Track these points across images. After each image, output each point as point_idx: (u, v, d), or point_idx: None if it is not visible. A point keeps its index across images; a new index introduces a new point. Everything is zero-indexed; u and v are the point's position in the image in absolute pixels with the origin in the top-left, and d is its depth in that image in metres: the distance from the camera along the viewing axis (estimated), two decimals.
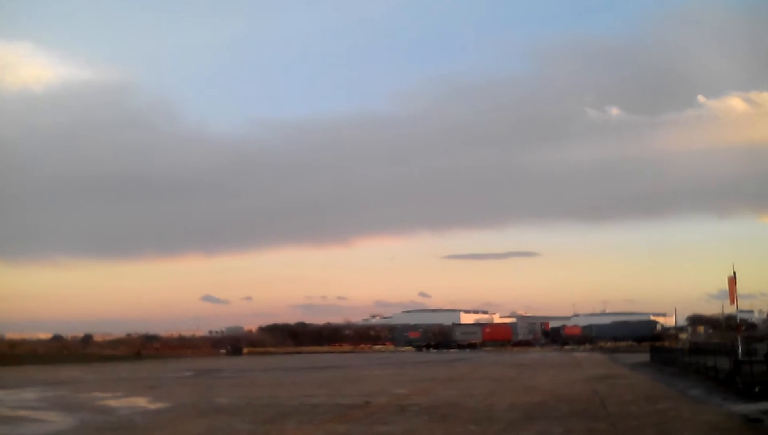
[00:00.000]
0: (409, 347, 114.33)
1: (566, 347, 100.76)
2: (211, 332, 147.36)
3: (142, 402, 25.92)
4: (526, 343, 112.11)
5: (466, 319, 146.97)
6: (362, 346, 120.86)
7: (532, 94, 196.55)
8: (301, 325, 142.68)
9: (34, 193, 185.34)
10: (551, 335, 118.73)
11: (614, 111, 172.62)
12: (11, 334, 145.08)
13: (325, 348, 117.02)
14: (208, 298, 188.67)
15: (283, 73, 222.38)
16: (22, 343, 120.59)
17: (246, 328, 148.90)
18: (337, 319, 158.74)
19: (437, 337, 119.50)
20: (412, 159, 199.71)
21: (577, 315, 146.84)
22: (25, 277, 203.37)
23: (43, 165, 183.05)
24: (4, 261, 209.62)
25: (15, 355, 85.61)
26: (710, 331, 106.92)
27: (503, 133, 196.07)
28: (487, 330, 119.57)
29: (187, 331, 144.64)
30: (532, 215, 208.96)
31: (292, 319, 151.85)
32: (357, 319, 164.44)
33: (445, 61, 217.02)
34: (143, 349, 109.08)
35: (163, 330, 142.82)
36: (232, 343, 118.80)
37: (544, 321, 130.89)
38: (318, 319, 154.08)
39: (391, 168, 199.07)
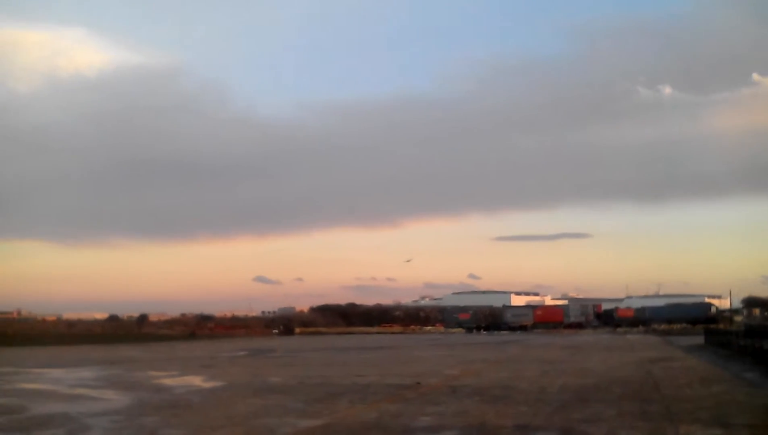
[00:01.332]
0: (459, 329, 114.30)
1: (619, 330, 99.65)
2: (263, 313, 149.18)
3: (197, 381, 26.34)
4: (578, 326, 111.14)
5: (517, 301, 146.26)
6: (412, 327, 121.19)
7: (582, 74, 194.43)
8: (352, 306, 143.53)
9: (89, 177, 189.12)
10: (603, 317, 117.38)
11: (667, 90, 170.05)
12: (69, 314, 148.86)
13: (376, 329, 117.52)
14: (260, 279, 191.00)
15: (328, 56, 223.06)
16: (79, 323, 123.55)
17: (297, 308, 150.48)
18: (386, 301, 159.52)
19: (487, 319, 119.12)
20: (459, 141, 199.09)
21: (629, 297, 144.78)
22: (82, 259, 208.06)
23: (97, 149, 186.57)
24: (61, 243, 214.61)
25: (72, 335, 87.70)
26: (766, 313, 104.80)
27: (552, 113, 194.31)
28: (539, 312, 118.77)
29: (240, 312, 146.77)
30: (583, 196, 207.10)
31: (342, 299, 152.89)
32: (407, 300, 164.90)
33: (490, 42, 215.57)
34: (197, 328, 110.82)
35: (216, 310, 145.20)
36: (284, 323, 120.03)
37: (596, 303, 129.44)
38: (368, 300, 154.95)
39: (438, 150, 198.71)
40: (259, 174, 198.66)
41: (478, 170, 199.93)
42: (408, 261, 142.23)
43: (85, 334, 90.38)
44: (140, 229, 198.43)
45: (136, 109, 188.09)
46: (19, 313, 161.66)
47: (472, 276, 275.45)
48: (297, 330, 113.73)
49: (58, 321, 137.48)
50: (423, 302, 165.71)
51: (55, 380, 26.79)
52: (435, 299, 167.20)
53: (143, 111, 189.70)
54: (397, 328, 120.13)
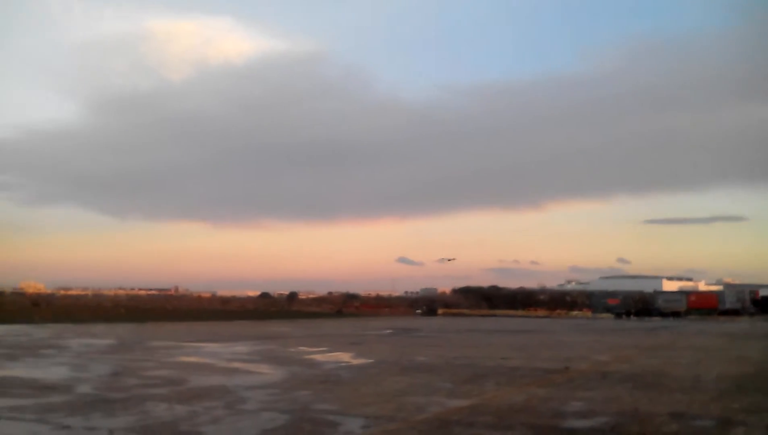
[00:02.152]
0: (608, 314, 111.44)
1: None
2: (406, 293, 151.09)
3: (345, 357, 26.89)
4: (734, 312, 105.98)
5: (669, 286, 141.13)
6: (557, 311, 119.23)
7: (741, 49, 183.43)
8: (495, 289, 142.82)
9: (238, 161, 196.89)
10: (761, 304, 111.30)
11: None
12: (223, 292, 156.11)
13: (520, 312, 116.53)
14: (402, 260, 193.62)
15: (467, 38, 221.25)
16: (233, 299, 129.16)
17: (440, 289, 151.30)
18: (530, 284, 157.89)
19: (637, 305, 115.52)
20: (604, 120, 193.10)
21: None
22: (234, 239, 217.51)
23: (246, 134, 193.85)
24: (215, 225, 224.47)
25: (227, 311, 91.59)
26: None
27: (704, 91, 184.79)
28: (692, 298, 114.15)
29: (383, 291, 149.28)
30: (737, 177, 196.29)
31: (484, 282, 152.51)
32: (551, 283, 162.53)
33: (640, 15, 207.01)
34: (344, 307, 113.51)
35: (361, 289, 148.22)
36: (428, 304, 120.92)
37: (753, 289, 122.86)
38: (511, 283, 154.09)
39: (582, 130, 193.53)
40: (402, 157, 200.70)
41: (626, 150, 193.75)
42: (449, 260, 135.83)
43: (238, 310, 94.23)
44: (287, 211, 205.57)
45: (282, 94, 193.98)
46: (176, 289, 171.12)
47: (621, 260, 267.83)
48: (440, 311, 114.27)
49: (213, 297, 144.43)
50: (569, 286, 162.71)
51: (212, 354, 27.99)
52: (581, 283, 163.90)
53: (289, 97, 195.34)
54: (541, 311, 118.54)
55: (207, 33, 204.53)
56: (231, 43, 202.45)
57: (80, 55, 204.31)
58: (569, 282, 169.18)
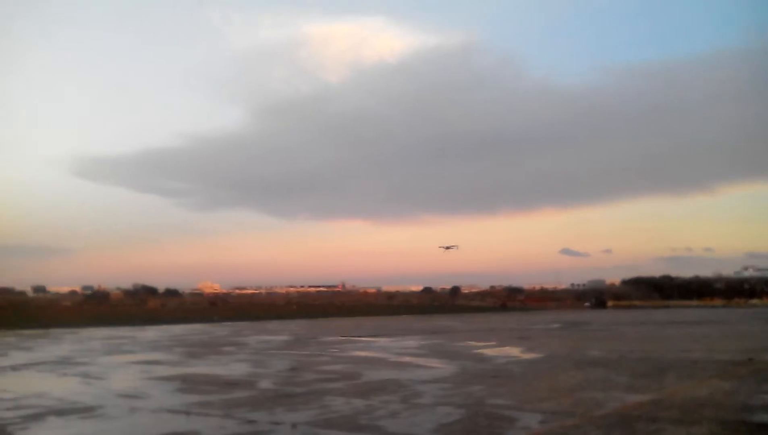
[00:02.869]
0: None
1: None
2: (572, 285, 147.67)
3: (514, 352, 26.61)
4: None
5: None
6: (735, 300, 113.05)
7: None
8: (667, 278, 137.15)
9: (396, 157, 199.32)
10: None
11: None
12: (388, 287, 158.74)
13: (695, 302, 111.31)
14: (566, 251, 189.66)
15: (624, 16, 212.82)
16: (397, 294, 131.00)
17: (608, 280, 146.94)
18: (705, 272, 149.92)
19: None
20: None
21: None
22: (396, 235, 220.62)
23: (402, 131, 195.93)
24: (378, 221, 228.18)
25: (392, 306, 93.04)
26: None
27: None
28: None
29: (548, 284, 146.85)
30: None
31: (655, 271, 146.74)
32: (728, 271, 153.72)
33: None
34: (508, 300, 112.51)
35: (524, 282, 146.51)
36: (596, 296, 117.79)
37: None
38: (684, 272, 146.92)
39: (758, 106, 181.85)
40: (560, 144, 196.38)
41: None
42: (448, 248, 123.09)
43: (402, 305, 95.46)
44: (447, 205, 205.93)
45: (436, 89, 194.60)
46: (343, 286, 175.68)
47: None
48: (609, 303, 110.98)
49: (378, 293, 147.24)
50: (746, 273, 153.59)
51: (382, 348, 28.48)
52: (760, 270, 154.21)
53: (443, 90, 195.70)
54: (718, 301, 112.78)
55: (361, 33, 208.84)
56: (384, 41, 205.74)
57: (242, 64, 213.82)
58: (746, 269, 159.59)
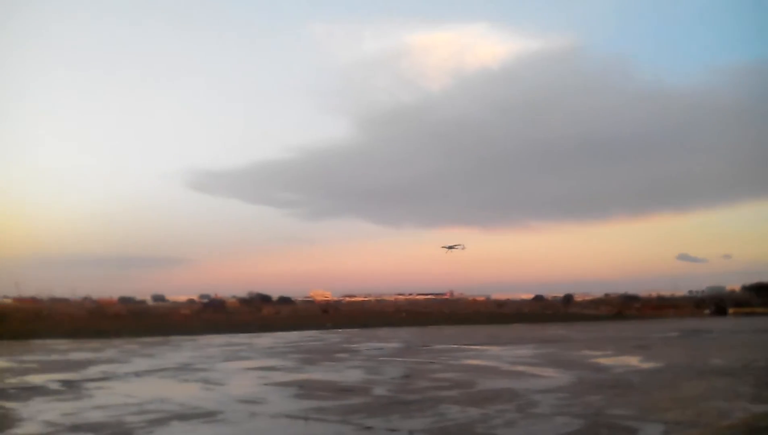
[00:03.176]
0: None
1: None
2: (690, 292, 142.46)
3: (633, 361, 25.88)
4: None
5: None
6: None
7: None
8: None
9: (501, 164, 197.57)
10: None
11: None
12: (497, 295, 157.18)
13: None
14: (683, 257, 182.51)
15: (736, 12, 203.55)
16: (508, 303, 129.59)
17: (728, 287, 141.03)
18: None
19: None
20: None
21: None
22: (503, 242, 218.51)
23: (506, 137, 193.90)
24: (485, 228, 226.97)
25: (502, 314, 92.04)
26: None
27: None
28: None
29: (664, 291, 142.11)
30: None
31: None
32: None
33: None
34: (623, 308, 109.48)
35: (639, 290, 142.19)
36: (716, 303, 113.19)
37: None
38: None
39: None
40: (673, 146, 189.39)
41: None
42: (451, 248, 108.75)
43: (513, 314, 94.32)
44: (555, 211, 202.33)
45: (539, 94, 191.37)
46: (451, 293, 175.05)
47: None
48: (730, 310, 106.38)
49: (488, 301, 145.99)
50: None
51: (494, 357, 28.22)
52: None
53: (547, 95, 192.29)
54: None
55: (462, 41, 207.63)
56: (486, 47, 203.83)
57: (346, 76, 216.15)
58: None
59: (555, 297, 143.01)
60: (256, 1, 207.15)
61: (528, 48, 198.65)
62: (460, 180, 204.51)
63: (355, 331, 53.09)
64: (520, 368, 23.41)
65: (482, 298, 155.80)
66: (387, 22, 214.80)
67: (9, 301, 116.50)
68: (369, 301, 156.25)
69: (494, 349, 32.84)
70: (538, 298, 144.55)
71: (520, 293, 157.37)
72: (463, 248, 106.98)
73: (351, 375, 21.63)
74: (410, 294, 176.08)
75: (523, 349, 32.65)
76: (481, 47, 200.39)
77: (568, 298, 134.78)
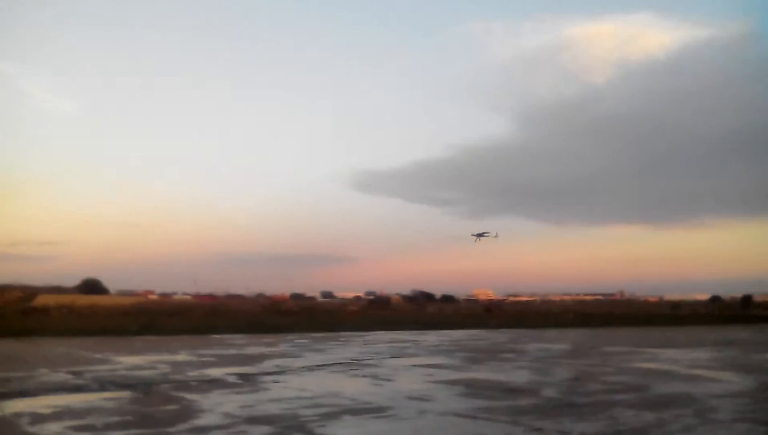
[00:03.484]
0: None
1: None
2: None
3: None
4: None
5: None
6: None
7: None
8: None
9: (668, 156, 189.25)
10: None
11: None
12: (670, 295, 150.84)
13: None
14: None
15: None
16: (682, 304, 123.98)
17: None
18: None
19: None
20: None
21: None
22: (677, 240, 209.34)
23: (675, 129, 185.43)
24: (654, 226, 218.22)
25: (677, 316, 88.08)
26: None
27: None
28: None
29: None
30: None
31: None
32: None
33: None
34: None
35: None
36: None
37: None
38: None
39: None
40: None
41: None
42: (481, 235, 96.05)
43: (689, 315, 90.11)
44: (731, 207, 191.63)
45: (710, 83, 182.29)
46: (621, 294, 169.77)
47: None
48: None
49: (661, 302, 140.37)
50: None
51: (670, 360, 27.09)
52: None
53: (718, 84, 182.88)
54: None
55: (627, 31, 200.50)
56: (651, 38, 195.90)
57: (504, 72, 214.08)
58: None
59: (733, 298, 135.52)
60: (415, 2, 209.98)
61: (697, 37, 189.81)
62: (626, 175, 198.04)
63: (521, 331, 52.53)
64: (698, 372, 22.41)
65: (655, 299, 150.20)
66: (546, 16, 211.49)
67: (188, 297, 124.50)
68: (533, 300, 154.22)
69: (669, 352, 31.54)
70: (715, 299, 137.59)
71: (695, 293, 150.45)
72: (496, 236, 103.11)
73: (518, 375, 21.43)
74: (577, 294, 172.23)
75: (700, 353, 31.22)
76: (647, 37, 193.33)
77: (746, 300, 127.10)
